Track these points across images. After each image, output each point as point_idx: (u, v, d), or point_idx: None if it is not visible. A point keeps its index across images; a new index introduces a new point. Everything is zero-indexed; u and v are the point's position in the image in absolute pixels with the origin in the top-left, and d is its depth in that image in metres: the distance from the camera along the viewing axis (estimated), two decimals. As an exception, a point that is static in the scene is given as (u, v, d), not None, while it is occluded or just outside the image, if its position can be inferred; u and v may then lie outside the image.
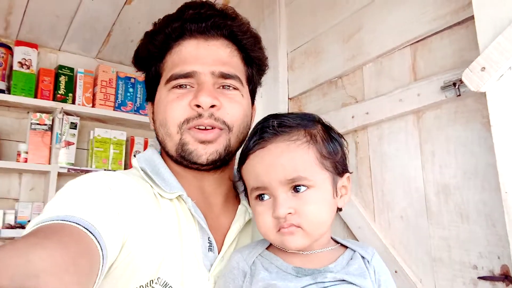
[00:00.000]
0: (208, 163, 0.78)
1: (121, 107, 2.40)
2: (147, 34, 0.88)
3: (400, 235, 1.26)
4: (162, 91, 0.82)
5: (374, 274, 0.68)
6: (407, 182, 1.27)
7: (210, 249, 0.76)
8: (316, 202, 0.66)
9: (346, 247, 0.72)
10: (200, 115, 0.76)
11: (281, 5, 1.92)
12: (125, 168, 2.40)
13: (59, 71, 2.35)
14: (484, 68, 0.93)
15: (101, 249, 0.55)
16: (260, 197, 0.69)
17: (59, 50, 2.54)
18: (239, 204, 0.87)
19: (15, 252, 0.43)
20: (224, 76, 0.79)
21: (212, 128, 0.77)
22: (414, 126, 1.27)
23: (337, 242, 0.73)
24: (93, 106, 2.37)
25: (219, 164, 0.80)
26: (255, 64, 0.88)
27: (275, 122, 0.69)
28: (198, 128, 0.77)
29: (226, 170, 0.85)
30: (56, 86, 2.33)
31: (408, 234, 1.25)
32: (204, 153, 0.77)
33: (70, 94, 2.35)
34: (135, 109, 2.45)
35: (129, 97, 2.44)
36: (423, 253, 1.20)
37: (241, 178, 0.76)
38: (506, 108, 0.91)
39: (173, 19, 0.83)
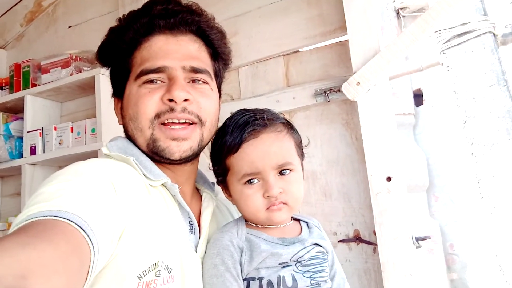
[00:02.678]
0: (181, 159, 0.79)
1: None
2: (112, 30, 0.84)
3: (274, 215, 1.50)
4: (132, 87, 0.80)
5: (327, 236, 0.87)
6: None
7: (191, 231, 0.79)
8: (297, 182, 0.79)
9: (298, 220, 0.88)
10: (172, 109, 0.76)
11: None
12: None
13: None
14: (359, 83, 1.25)
15: (92, 246, 0.54)
16: (249, 181, 0.77)
17: None
18: (199, 192, 0.91)
19: (4, 252, 0.42)
20: (195, 70, 0.81)
21: (185, 123, 0.79)
22: (287, 123, 1.53)
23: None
24: None
25: (192, 158, 0.82)
26: (221, 59, 0.91)
27: (263, 115, 0.78)
28: (172, 123, 0.77)
29: (195, 162, 0.87)
30: None
31: (281, 213, 1.49)
32: (178, 150, 0.77)
33: None
34: None
35: None
36: (294, 227, 1.47)
37: (221, 167, 0.81)
38: (371, 112, 1.25)
39: (140, 15, 0.81)
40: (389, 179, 1.20)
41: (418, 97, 1.78)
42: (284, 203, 0.77)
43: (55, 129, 1.87)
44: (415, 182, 1.63)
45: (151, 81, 0.78)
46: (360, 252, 1.36)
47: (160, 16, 0.81)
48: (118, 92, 0.85)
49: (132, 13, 0.84)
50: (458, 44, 1.69)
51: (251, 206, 0.77)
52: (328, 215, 1.42)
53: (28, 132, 1.92)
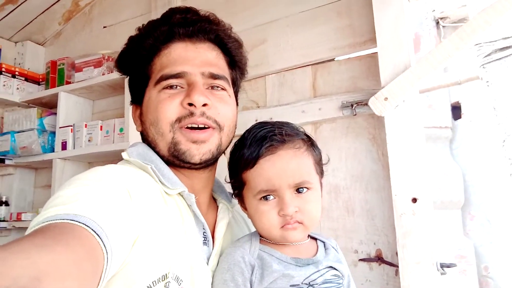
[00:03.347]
0: (201, 163, 0.79)
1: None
2: (132, 38, 0.86)
3: (294, 227, 1.47)
4: (152, 92, 0.81)
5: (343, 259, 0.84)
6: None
7: (205, 243, 0.78)
8: (314, 201, 0.77)
9: (315, 238, 0.85)
10: (192, 114, 0.78)
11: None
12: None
13: None
14: (386, 98, 1.20)
15: (106, 252, 0.55)
16: (264, 198, 0.76)
17: None
18: (215, 202, 0.91)
19: (21, 253, 0.43)
20: (213, 76, 0.82)
21: (205, 127, 0.80)
22: (312, 135, 1.49)
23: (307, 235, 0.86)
24: None
25: (211, 162, 0.83)
26: (238, 67, 0.92)
27: (282, 131, 0.77)
28: (191, 128, 0.79)
29: (213, 170, 0.87)
30: None
31: (301, 226, 1.46)
32: (198, 153, 0.78)
33: None
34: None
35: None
36: (314, 241, 1.43)
37: (237, 180, 0.80)
38: (398, 129, 1.20)
39: (160, 24, 0.83)
40: (414, 200, 1.15)
41: (456, 110, 1.70)
42: (299, 222, 0.75)
43: (86, 126, 1.92)
44: (450, 198, 1.56)
45: (171, 87, 0.80)
46: (382, 273, 1.31)
47: (179, 25, 0.83)
48: (137, 98, 0.87)
49: (151, 22, 0.86)
50: (499, 59, 1.60)
51: (266, 223, 0.76)
52: (349, 231, 1.38)
53: (60, 127, 1.98)
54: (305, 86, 1.54)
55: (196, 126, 0.79)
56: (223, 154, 0.87)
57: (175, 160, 0.80)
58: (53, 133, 2.04)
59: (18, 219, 2.01)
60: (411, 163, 1.17)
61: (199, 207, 0.82)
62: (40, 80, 2.30)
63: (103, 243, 0.54)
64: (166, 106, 0.78)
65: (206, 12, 0.89)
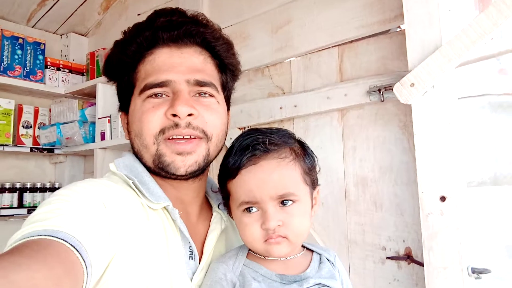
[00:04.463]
0: (187, 174, 0.77)
1: (8, 72, 2.06)
2: (117, 43, 0.83)
3: (320, 219, 1.40)
4: (137, 101, 0.78)
5: (339, 274, 0.78)
6: (329, 173, 1.40)
7: (191, 257, 0.76)
8: (300, 214, 0.71)
9: (312, 250, 0.79)
10: (176, 125, 0.74)
11: (203, -19, 1.85)
12: (13, 142, 2.10)
13: None
14: (413, 84, 1.07)
15: (86, 267, 0.54)
16: (247, 209, 0.71)
17: None
18: (211, 210, 0.88)
19: None
20: (200, 83, 0.78)
21: (190, 138, 0.76)
22: (338, 122, 1.40)
23: (303, 247, 0.80)
24: (-31, 67, 1.99)
25: (198, 173, 0.79)
26: (228, 70, 0.87)
27: (266, 140, 0.71)
28: (176, 138, 0.75)
29: (202, 178, 0.85)
30: None
31: (328, 218, 1.39)
32: (183, 165, 0.75)
33: None
34: (25, 74, 2.13)
35: (17, 61, 2.10)
36: (340, 235, 1.36)
37: (224, 190, 0.77)
38: (427, 119, 1.07)
39: (144, 28, 0.79)
40: (443, 198, 1.03)
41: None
42: (283, 237, 0.70)
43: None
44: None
45: (156, 95, 0.77)
46: (411, 273, 1.21)
47: (163, 29, 0.78)
48: (124, 107, 0.84)
49: (136, 26, 0.82)
50: None
51: (249, 237, 0.72)
52: (377, 227, 1.28)
53: (99, 118, 2.05)
54: (331, 69, 1.43)
55: (182, 137, 0.75)
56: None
57: (161, 172, 0.77)
58: (94, 123, 2.12)
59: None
60: (441, 157, 1.04)
61: (188, 218, 0.79)
62: (84, 71, 2.39)
63: (83, 258, 0.54)
64: (150, 117, 0.75)
65: (194, 12, 0.83)
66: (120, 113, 0.88)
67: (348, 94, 1.34)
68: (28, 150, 2.16)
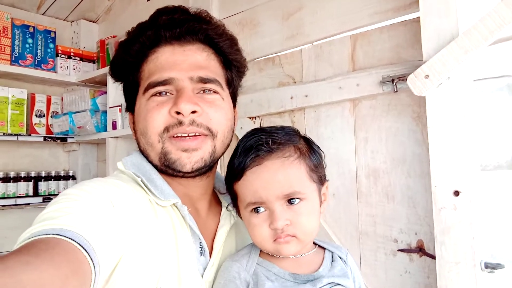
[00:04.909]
0: (193, 171, 0.77)
1: (19, 61, 2.07)
2: (121, 44, 0.84)
3: (331, 211, 1.40)
4: (141, 100, 0.79)
5: (351, 272, 0.78)
6: (340, 164, 1.38)
7: (202, 253, 0.77)
8: (308, 212, 0.71)
9: (323, 248, 0.79)
10: (180, 123, 0.75)
11: (213, -34, 1.81)
12: (26, 131, 2.13)
13: None
14: (427, 76, 1.04)
15: (94, 266, 0.54)
16: (255, 210, 0.72)
17: None
18: (220, 206, 0.88)
19: (5, 271, 0.43)
20: (203, 80, 0.78)
21: (195, 135, 0.76)
22: (350, 113, 1.37)
23: (315, 244, 0.80)
24: (-18, 57, 2.01)
25: (205, 170, 0.80)
26: (233, 66, 0.87)
27: (269, 139, 0.71)
28: (181, 136, 0.76)
29: (210, 175, 0.85)
30: None
31: (339, 210, 1.38)
32: (188, 161, 0.76)
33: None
34: (36, 63, 2.14)
35: (28, 50, 2.11)
36: (351, 227, 1.35)
37: (231, 191, 0.77)
38: (442, 112, 1.04)
39: (146, 27, 0.80)
40: (457, 193, 1.01)
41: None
42: (292, 236, 0.70)
43: (132, 106, 1.97)
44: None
45: (160, 94, 0.77)
46: (423, 265, 1.20)
47: (165, 27, 0.78)
48: (130, 106, 0.85)
49: (139, 26, 0.83)
50: None
51: (258, 237, 0.73)
52: (388, 219, 1.27)
53: (110, 107, 2.06)
54: (343, 58, 1.40)
55: (186, 135, 0.76)
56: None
57: (168, 170, 0.78)
58: (105, 112, 2.13)
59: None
60: (455, 151, 1.02)
61: (197, 214, 0.80)
62: (95, 58, 2.39)
63: (91, 257, 0.54)
64: (154, 116, 0.76)
65: (197, 9, 0.83)
66: (128, 113, 0.88)
67: (360, 84, 1.31)
68: (42, 139, 2.19)
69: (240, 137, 0.81)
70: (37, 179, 2.18)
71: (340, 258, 0.78)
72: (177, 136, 0.76)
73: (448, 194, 1.03)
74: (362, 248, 1.33)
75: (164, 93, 0.77)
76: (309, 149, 0.76)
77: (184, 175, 0.78)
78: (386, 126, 1.29)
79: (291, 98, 1.49)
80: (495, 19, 0.92)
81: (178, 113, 0.74)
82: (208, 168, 0.80)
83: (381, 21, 1.30)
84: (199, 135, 0.77)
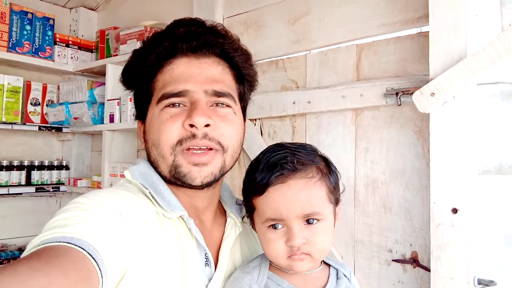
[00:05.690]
0: (203, 185, 0.77)
1: (16, 48, 2.03)
2: (136, 52, 0.83)
3: (328, 218, 1.41)
4: (154, 111, 0.79)
5: (355, 291, 0.80)
6: (340, 172, 1.39)
7: (207, 264, 0.78)
8: (324, 233, 0.73)
9: (328, 264, 0.81)
10: (194, 136, 0.75)
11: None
12: (21, 119, 2.10)
13: None
14: (433, 93, 1.05)
15: (101, 276, 0.55)
16: (273, 226, 0.73)
17: None
18: (225, 215, 0.89)
19: (16, 276, 0.44)
20: (217, 94, 0.78)
21: (207, 149, 0.77)
22: (352, 122, 1.38)
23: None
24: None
25: (213, 183, 0.80)
26: (246, 81, 0.87)
27: (294, 159, 0.72)
28: (193, 149, 0.76)
29: (217, 186, 0.85)
30: None
31: (335, 217, 1.40)
32: (199, 176, 0.76)
33: None
34: (33, 50, 2.10)
35: (26, 36, 2.06)
36: (347, 235, 1.37)
37: (249, 204, 0.78)
38: (445, 130, 1.06)
39: (163, 38, 0.80)
40: (455, 210, 1.03)
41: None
42: (307, 254, 0.72)
43: (130, 100, 1.95)
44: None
45: (173, 105, 0.77)
46: (416, 277, 1.23)
47: (182, 39, 0.78)
48: (141, 115, 0.85)
49: (155, 36, 0.82)
50: None
51: (273, 252, 0.74)
52: (385, 229, 1.29)
53: (108, 100, 2.04)
54: (348, 67, 1.40)
55: (198, 148, 0.76)
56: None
57: (177, 181, 0.78)
58: (103, 104, 2.11)
59: (75, 185, 2.18)
60: (456, 169, 1.04)
61: (202, 225, 0.81)
62: (93, 47, 2.36)
63: (99, 266, 0.55)
64: (168, 128, 0.76)
65: (213, 22, 0.83)
66: (137, 121, 0.88)
67: (364, 94, 1.32)
68: (37, 128, 2.16)
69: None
70: (30, 168, 2.16)
71: (344, 275, 0.80)
72: (189, 149, 0.76)
73: (447, 211, 1.05)
74: (357, 256, 1.35)
75: (177, 104, 0.77)
76: (329, 171, 0.77)
77: (192, 187, 0.78)
78: (387, 138, 1.30)
79: (294, 103, 1.50)
80: (504, 43, 0.93)
81: (191, 125, 0.75)
82: (216, 181, 0.81)
83: (388, 32, 1.31)
84: (211, 149, 0.77)
